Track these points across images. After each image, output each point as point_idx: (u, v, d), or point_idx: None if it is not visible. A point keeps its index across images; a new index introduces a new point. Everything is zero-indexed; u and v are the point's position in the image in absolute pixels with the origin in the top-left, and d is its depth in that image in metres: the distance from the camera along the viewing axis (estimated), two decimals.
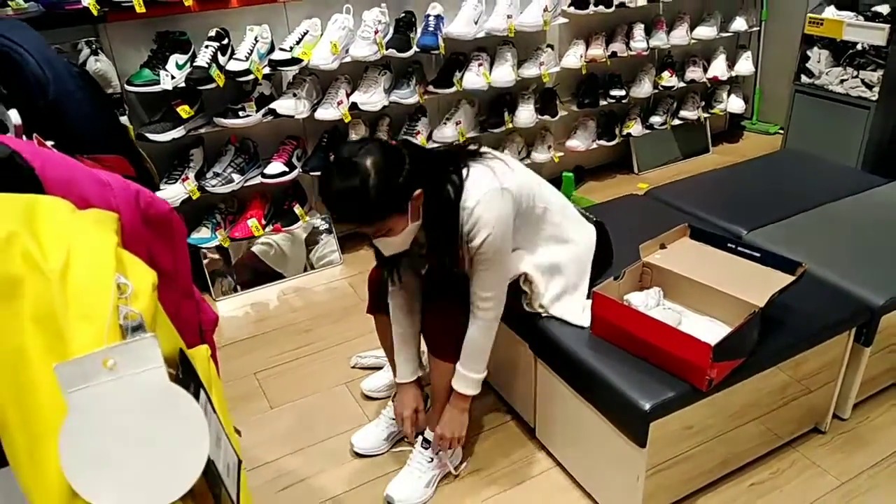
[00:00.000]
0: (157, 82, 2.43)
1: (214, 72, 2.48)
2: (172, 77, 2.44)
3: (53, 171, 0.85)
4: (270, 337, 2.58)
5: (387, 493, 1.84)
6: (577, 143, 3.56)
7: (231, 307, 2.78)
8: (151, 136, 2.48)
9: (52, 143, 1.00)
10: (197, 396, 0.61)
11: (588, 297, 1.85)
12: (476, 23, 2.96)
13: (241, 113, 2.61)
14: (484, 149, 1.73)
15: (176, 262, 0.90)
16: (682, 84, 3.80)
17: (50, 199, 0.70)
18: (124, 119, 2.41)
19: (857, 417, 2.07)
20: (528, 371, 1.94)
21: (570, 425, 1.84)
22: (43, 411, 0.56)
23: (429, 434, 1.88)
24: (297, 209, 2.89)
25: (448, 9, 2.95)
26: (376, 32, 2.73)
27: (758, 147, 4.03)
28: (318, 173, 2.83)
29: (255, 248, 2.87)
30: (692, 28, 3.72)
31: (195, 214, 2.75)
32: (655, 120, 3.80)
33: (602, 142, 3.65)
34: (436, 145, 3.07)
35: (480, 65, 3.04)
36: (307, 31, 2.66)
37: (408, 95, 2.91)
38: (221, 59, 2.53)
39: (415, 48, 2.85)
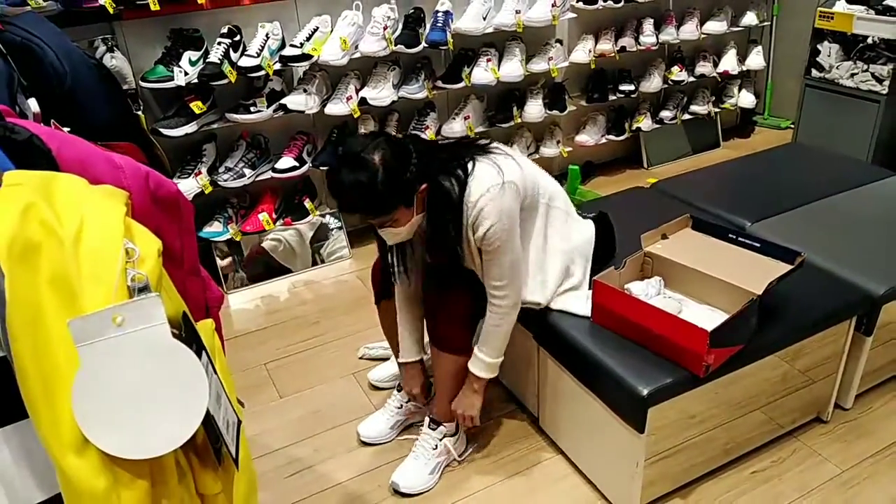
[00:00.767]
0: (171, 78, 2.49)
1: (226, 68, 2.53)
2: (186, 73, 2.50)
3: (69, 153, 0.90)
4: (280, 329, 2.63)
5: (392, 479, 1.88)
6: (587, 137, 3.58)
7: (242, 300, 2.84)
8: (165, 132, 2.54)
9: (68, 129, 1.05)
10: (199, 356, 0.66)
11: (590, 288, 1.88)
12: (484, 18, 3.00)
13: (252, 108, 2.66)
14: (493, 144, 1.77)
15: (183, 241, 0.95)
16: (692, 79, 3.82)
17: (66, 175, 0.74)
18: (139, 114, 2.47)
19: (859, 407, 2.08)
20: (531, 361, 1.98)
21: (573, 413, 1.87)
22: (58, 364, 0.60)
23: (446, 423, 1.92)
24: (308, 203, 2.94)
25: (457, 5, 2.99)
26: (385, 28, 2.78)
27: (769, 142, 4.03)
28: (327, 168, 2.88)
29: (264, 244, 2.92)
30: (702, 23, 3.73)
31: (207, 209, 2.81)
32: (665, 115, 3.81)
33: (611, 137, 3.67)
34: (445, 140, 3.11)
35: (489, 60, 3.07)
36: (317, 28, 2.71)
37: (416, 91, 2.96)
38: (233, 56, 2.59)
39: (423, 44, 2.89)
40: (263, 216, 2.83)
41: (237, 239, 2.81)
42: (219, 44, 2.57)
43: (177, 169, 2.69)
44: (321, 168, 2.89)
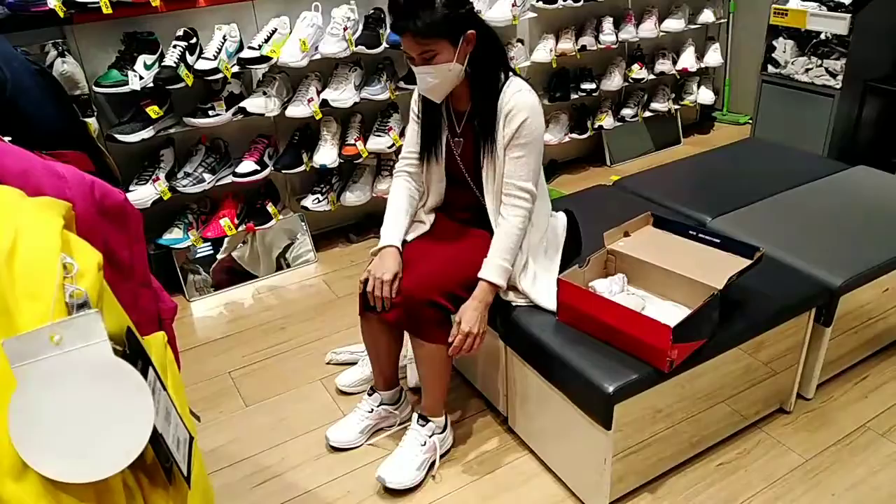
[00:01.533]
0: (126, 83, 2.43)
1: (183, 71, 2.48)
2: (141, 77, 2.45)
3: (8, 163, 0.87)
4: (245, 336, 2.59)
5: (379, 474, 1.86)
6: (550, 136, 3.60)
7: (205, 307, 2.79)
8: (121, 137, 2.48)
9: (9, 138, 1.01)
10: (144, 373, 0.63)
11: None
12: None
13: (210, 112, 2.61)
14: None
15: (132, 251, 0.92)
16: (651, 76, 3.86)
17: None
18: (92, 120, 2.41)
19: (820, 397, 2.12)
20: (498, 360, 1.97)
21: (540, 412, 1.87)
22: None
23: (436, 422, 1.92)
24: (270, 207, 2.90)
25: None
26: (345, 29, 2.75)
27: (728, 137, 4.08)
28: (293, 170, 2.85)
29: (234, 252, 2.87)
30: (661, 21, 3.78)
31: (167, 215, 2.76)
32: (627, 112, 3.84)
33: (574, 135, 3.69)
34: None
35: None
36: (276, 29, 2.67)
37: (379, 92, 2.93)
38: (190, 59, 2.54)
39: (385, 44, 2.87)
40: (225, 222, 2.78)
41: (198, 245, 2.75)
42: (174, 47, 2.52)
43: (134, 175, 2.63)
44: (284, 172, 2.85)
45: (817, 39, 3.43)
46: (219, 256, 2.86)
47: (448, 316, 1.81)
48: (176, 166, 2.72)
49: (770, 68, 3.58)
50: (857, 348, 2.17)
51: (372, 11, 2.90)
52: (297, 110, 2.76)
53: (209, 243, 2.81)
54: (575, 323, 1.76)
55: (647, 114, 3.94)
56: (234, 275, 2.90)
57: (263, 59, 2.61)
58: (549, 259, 1.91)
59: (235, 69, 2.62)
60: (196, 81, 2.54)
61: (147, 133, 2.54)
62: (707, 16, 3.92)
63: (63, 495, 0.59)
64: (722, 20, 4.08)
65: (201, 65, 2.53)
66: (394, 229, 1.90)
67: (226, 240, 2.85)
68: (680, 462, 1.88)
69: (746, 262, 1.75)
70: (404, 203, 1.95)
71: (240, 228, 2.84)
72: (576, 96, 3.60)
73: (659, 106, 3.94)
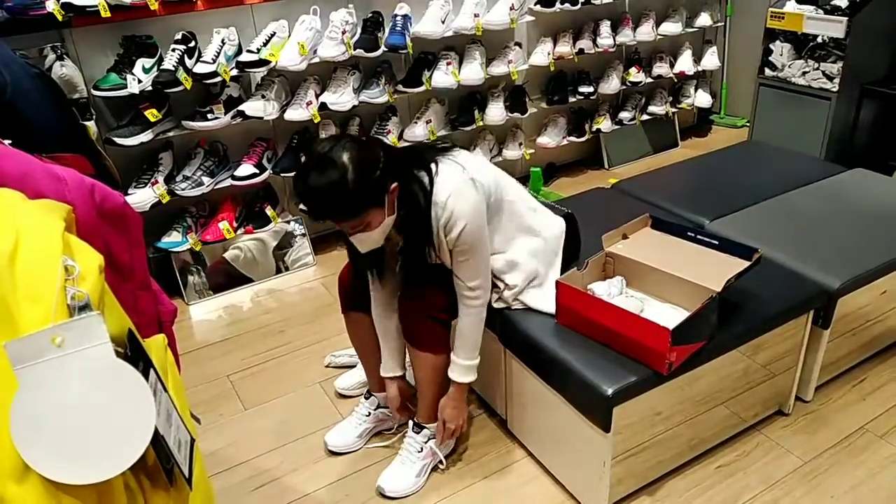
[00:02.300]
0: (124, 86, 2.43)
1: (181, 75, 2.48)
2: (139, 81, 2.45)
3: (8, 166, 0.87)
4: (244, 339, 2.59)
5: (378, 483, 1.86)
6: (548, 139, 3.60)
7: (204, 311, 2.79)
8: (119, 141, 2.48)
9: (9, 141, 1.01)
10: (146, 375, 0.63)
11: None
12: (443, 22, 2.99)
13: (209, 115, 2.62)
14: (457, 148, 1.75)
15: (132, 254, 0.92)
16: (649, 80, 3.87)
17: (0, 190, 0.71)
18: (91, 123, 2.41)
19: (819, 399, 2.12)
20: (497, 362, 1.97)
21: (540, 414, 1.87)
22: None
23: (431, 426, 1.91)
24: (269, 211, 2.90)
25: (415, 8, 2.98)
26: (344, 33, 2.76)
27: (726, 140, 4.10)
28: (292, 174, 2.84)
29: (226, 254, 2.88)
30: (658, 24, 3.79)
31: (166, 218, 2.76)
32: (624, 116, 3.85)
33: (572, 138, 3.70)
34: (407, 144, 3.10)
35: (449, 63, 3.07)
36: (274, 33, 2.67)
37: (377, 95, 2.94)
38: (188, 62, 2.54)
39: (383, 48, 2.88)
40: (224, 225, 2.78)
41: (197, 249, 2.75)
42: (173, 50, 2.52)
43: (133, 178, 2.63)
44: (283, 175, 2.85)
45: (814, 43, 3.45)
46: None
47: (445, 326, 1.82)
48: (175, 169, 2.73)
49: (767, 71, 3.60)
50: (855, 350, 2.18)
51: (370, 15, 2.91)
52: (296, 113, 2.77)
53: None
54: (574, 325, 1.76)
55: (645, 117, 3.95)
56: (232, 278, 2.90)
57: (262, 62, 2.62)
58: (547, 270, 1.90)
59: (234, 72, 2.62)
60: (195, 85, 2.54)
61: (146, 136, 2.54)
62: (704, 19, 3.94)
63: (65, 497, 0.59)
64: (719, 23, 4.09)
65: (200, 68, 2.53)
66: (389, 356, 1.93)
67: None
68: (679, 464, 1.88)
69: (745, 265, 1.75)
70: (386, 323, 1.89)
71: (238, 231, 2.84)
72: (573, 99, 3.61)
73: (656, 109, 3.95)
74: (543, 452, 1.93)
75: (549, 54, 3.41)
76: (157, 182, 2.60)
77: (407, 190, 1.60)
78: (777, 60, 3.55)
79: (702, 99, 4.14)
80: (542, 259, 1.88)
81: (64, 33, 2.45)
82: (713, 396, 1.83)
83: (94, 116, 2.47)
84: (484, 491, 1.87)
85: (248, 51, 2.64)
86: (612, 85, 3.71)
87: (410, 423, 1.93)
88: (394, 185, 1.56)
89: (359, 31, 2.87)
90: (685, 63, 3.95)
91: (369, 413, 2.03)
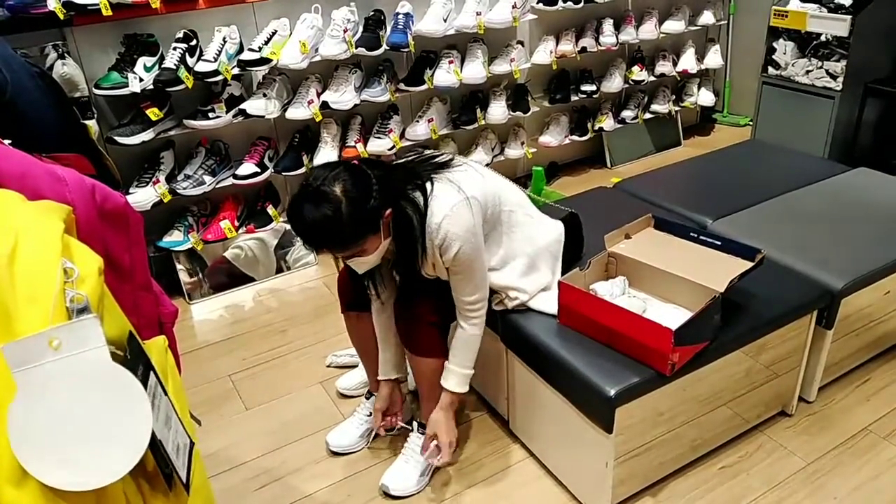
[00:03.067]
0: (126, 85, 2.42)
1: (183, 73, 2.48)
2: (140, 79, 2.44)
3: (7, 166, 0.86)
4: (245, 339, 2.59)
5: (382, 482, 1.86)
6: (550, 138, 3.59)
7: (206, 310, 2.78)
8: (121, 140, 2.47)
9: (9, 141, 1.00)
10: (146, 378, 0.63)
11: None
12: (445, 20, 2.98)
13: (210, 114, 2.61)
14: (456, 160, 1.74)
15: (133, 255, 0.91)
16: (652, 78, 3.86)
17: None
18: (92, 122, 2.41)
19: (822, 400, 2.11)
20: (499, 363, 1.97)
21: (541, 415, 1.86)
22: None
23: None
24: (271, 210, 2.90)
25: (417, 7, 2.97)
26: (345, 31, 2.75)
27: (729, 139, 4.08)
28: (294, 173, 2.84)
29: (226, 253, 2.87)
30: (661, 22, 3.77)
31: (167, 217, 2.75)
32: (627, 114, 3.84)
33: (575, 137, 3.69)
34: (409, 143, 3.09)
35: (451, 62, 3.06)
36: (276, 31, 2.67)
37: (379, 94, 2.93)
38: (190, 61, 2.53)
39: (385, 46, 2.87)
40: (225, 224, 2.78)
41: (198, 248, 2.75)
42: (174, 49, 2.51)
43: (134, 177, 2.62)
44: (284, 174, 2.85)
45: (818, 41, 3.44)
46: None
47: (442, 330, 1.81)
48: (176, 168, 2.72)
49: (770, 70, 3.58)
50: (859, 351, 2.17)
51: (372, 13, 2.90)
52: (297, 112, 2.76)
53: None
54: (576, 326, 1.75)
55: (648, 115, 3.94)
56: (233, 277, 2.90)
57: (263, 60, 2.61)
58: (549, 275, 1.90)
59: (235, 71, 2.62)
60: (196, 83, 2.53)
61: (147, 135, 2.53)
62: (707, 17, 3.92)
63: (63, 502, 0.59)
64: (722, 22, 4.08)
65: (201, 67, 2.53)
66: (384, 361, 1.92)
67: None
68: (681, 465, 1.87)
69: (748, 265, 1.74)
70: (385, 330, 1.89)
71: (240, 230, 2.84)
72: (576, 98, 3.60)
73: (659, 108, 3.93)
74: (545, 453, 1.92)
75: (551, 53, 3.39)
76: (158, 181, 2.60)
77: (401, 213, 1.60)
78: (780, 59, 3.53)
79: (705, 97, 4.13)
80: (545, 266, 1.88)
81: (65, 32, 2.45)
82: (716, 397, 1.82)
83: (95, 115, 2.46)
84: (486, 491, 1.87)
85: (250, 49, 2.63)
86: (614, 83, 3.70)
87: (415, 423, 1.92)
88: (388, 211, 1.56)
89: (360, 29, 2.86)
90: (688, 61, 3.94)
91: (370, 413, 2.03)
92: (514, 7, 3.09)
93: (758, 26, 3.78)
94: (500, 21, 3.07)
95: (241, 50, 2.67)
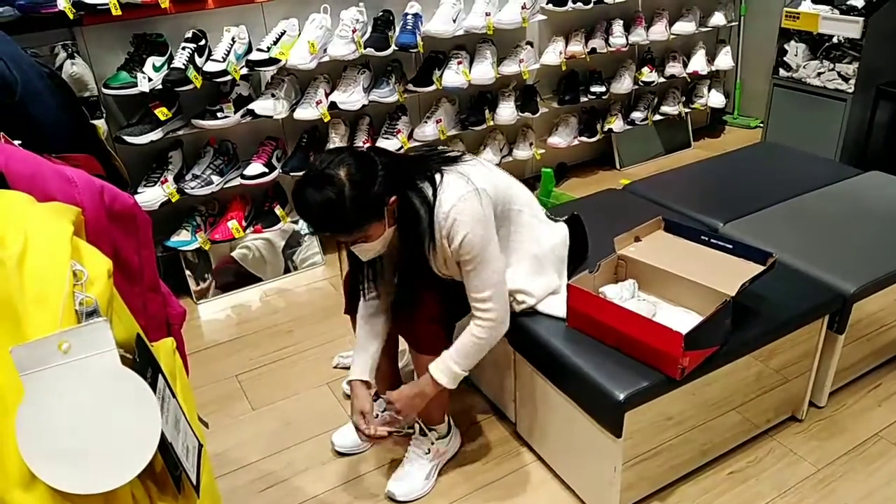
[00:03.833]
0: (135, 84, 2.43)
1: (192, 73, 2.48)
2: (149, 79, 2.44)
3: (17, 167, 0.86)
4: (252, 339, 2.58)
5: (388, 489, 1.85)
6: (559, 139, 3.58)
7: (213, 310, 2.78)
8: (129, 139, 2.48)
9: (19, 141, 1.00)
10: (154, 381, 0.62)
11: None
12: (454, 21, 2.98)
13: (219, 114, 2.61)
14: (466, 156, 1.73)
15: (141, 255, 0.91)
16: (662, 79, 3.84)
17: (9, 192, 0.70)
18: (101, 122, 2.41)
19: (833, 405, 2.09)
20: (507, 365, 1.96)
21: (549, 418, 1.85)
22: (1, 394, 0.56)
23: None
24: (278, 210, 2.90)
25: (426, 7, 2.96)
26: (354, 31, 2.74)
27: (739, 141, 4.07)
28: (301, 173, 2.83)
29: (234, 253, 2.87)
30: (671, 23, 3.75)
31: (175, 217, 2.75)
32: (636, 116, 3.83)
33: (584, 138, 3.68)
34: (417, 144, 3.09)
35: (460, 63, 3.05)
36: (284, 31, 2.66)
37: (387, 94, 2.93)
38: (198, 61, 2.54)
39: (393, 47, 2.87)
40: (233, 224, 2.78)
41: (206, 248, 2.75)
42: (183, 49, 2.52)
43: (142, 177, 2.62)
44: (292, 174, 2.84)
45: (829, 43, 3.41)
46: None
47: (446, 328, 1.80)
48: (184, 168, 2.72)
49: (781, 72, 3.56)
50: (870, 356, 2.15)
51: (381, 14, 2.89)
52: (306, 112, 2.76)
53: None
54: (585, 329, 1.74)
55: (658, 117, 3.92)
56: (240, 277, 2.90)
57: (272, 60, 2.61)
58: (557, 277, 1.89)
59: (244, 71, 2.62)
60: (205, 83, 2.54)
61: (155, 135, 2.53)
62: (718, 18, 3.90)
63: None
64: (733, 23, 4.06)
65: (210, 67, 2.53)
66: (362, 360, 1.82)
67: None
68: (690, 470, 1.86)
69: (759, 269, 1.72)
70: (369, 329, 1.83)
71: (248, 230, 2.84)
72: (585, 99, 3.59)
73: (669, 109, 3.91)
74: (553, 457, 1.91)
75: (560, 53, 3.38)
76: (166, 181, 2.60)
77: (407, 202, 1.58)
78: (792, 61, 3.51)
79: (715, 99, 4.11)
80: (551, 269, 1.87)
81: (75, 31, 2.45)
82: (726, 401, 1.81)
83: (104, 115, 2.47)
84: (493, 495, 1.86)
85: (259, 49, 2.63)
86: (624, 85, 3.68)
87: (416, 426, 1.91)
88: (393, 198, 1.55)
89: (369, 29, 2.86)
90: (698, 63, 3.92)
91: (377, 415, 2.02)
92: (523, 8, 3.08)
93: (769, 28, 3.75)
94: (509, 22, 3.06)
95: (249, 50, 2.67)
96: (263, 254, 2.93)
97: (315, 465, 1.98)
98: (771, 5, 3.86)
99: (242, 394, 2.29)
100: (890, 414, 2.05)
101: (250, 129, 2.85)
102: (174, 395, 0.69)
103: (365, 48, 2.78)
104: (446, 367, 1.69)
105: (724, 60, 4.05)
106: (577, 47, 3.42)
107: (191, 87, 2.50)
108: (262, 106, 2.67)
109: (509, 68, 3.20)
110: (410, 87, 3.02)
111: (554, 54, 3.37)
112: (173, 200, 2.61)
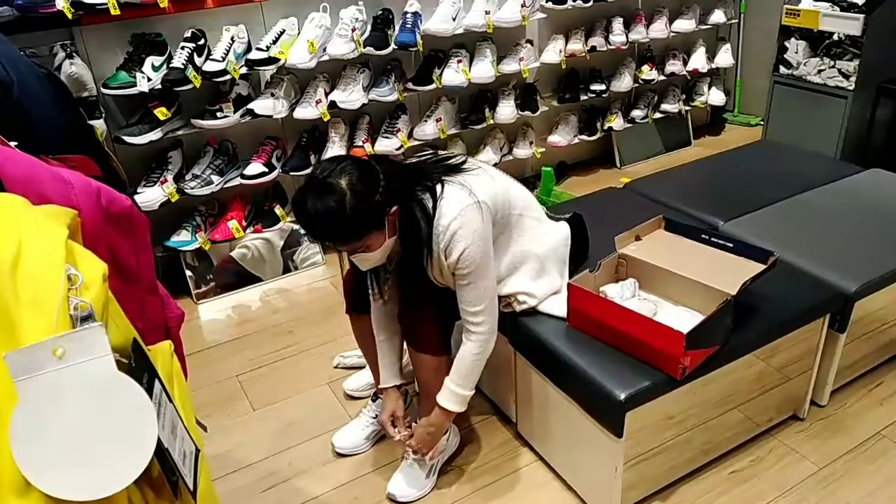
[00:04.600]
0: (134, 84, 2.42)
1: (191, 73, 2.47)
2: (149, 79, 2.44)
3: (13, 169, 0.85)
4: (252, 339, 2.58)
5: (389, 491, 1.85)
6: (559, 138, 3.57)
7: (213, 310, 2.78)
8: (129, 139, 2.47)
9: (15, 143, 1.00)
10: (150, 386, 0.62)
11: None
12: (454, 19, 2.97)
13: (218, 114, 2.61)
14: (463, 161, 1.72)
15: (139, 258, 0.90)
16: (662, 77, 3.83)
17: (4, 195, 0.70)
18: (100, 122, 2.40)
19: (834, 404, 2.09)
20: (507, 365, 1.95)
21: (550, 418, 1.85)
22: None
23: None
24: (278, 210, 2.89)
25: (425, 5, 2.96)
26: (354, 30, 2.74)
27: (739, 139, 4.05)
28: (301, 173, 2.83)
29: (233, 252, 2.87)
30: (671, 21, 3.75)
31: (175, 217, 2.75)
32: (637, 114, 3.82)
33: (584, 137, 3.67)
34: (417, 143, 3.08)
35: (460, 61, 3.04)
36: (284, 30, 2.66)
37: (387, 93, 2.92)
38: (198, 60, 2.53)
39: (393, 45, 2.86)
40: (233, 224, 2.77)
41: (206, 248, 2.74)
42: (182, 48, 2.51)
43: (142, 177, 2.62)
44: (292, 174, 2.84)
45: (830, 40, 3.40)
46: None
47: (445, 327, 1.80)
48: (184, 168, 2.72)
49: (782, 69, 3.55)
50: (872, 354, 2.14)
51: (380, 12, 2.88)
52: (305, 112, 2.75)
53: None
54: (585, 328, 1.74)
55: (658, 115, 3.91)
56: (240, 277, 2.89)
57: (271, 60, 2.60)
58: (558, 278, 1.88)
59: (243, 70, 2.61)
60: (204, 83, 2.53)
61: (155, 135, 2.53)
62: (718, 16, 3.89)
63: None
64: (733, 20, 4.05)
65: (209, 66, 2.52)
66: (385, 367, 1.87)
67: None
68: (692, 470, 1.86)
69: (760, 267, 1.72)
70: (385, 334, 1.86)
71: (248, 230, 2.83)
72: (585, 97, 3.58)
73: (669, 107, 3.91)
74: (554, 457, 1.91)
75: (560, 52, 3.38)
76: (166, 181, 2.59)
77: (408, 213, 1.58)
78: (792, 58, 3.50)
79: (715, 97, 4.10)
80: (554, 270, 1.86)
81: (74, 31, 2.45)
82: (727, 401, 1.80)
83: (103, 115, 2.46)
84: (494, 495, 1.86)
85: (258, 48, 2.62)
86: (624, 83, 3.67)
87: (414, 425, 1.91)
88: (393, 208, 1.55)
89: (369, 28, 2.85)
90: (698, 60, 3.91)
91: (376, 415, 2.02)
92: (523, 6, 3.07)
93: (769, 25, 3.74)
94: (509, 20, 3.05)
95: (249, 49, 2.66)
96: (262, 253, 2.92)
97: (316, 466, 1.98)
98: (771, 2, 3.85)
99: (243, 394, 2.29)
100: (891, 412, 2.05)
101: (250, 129, 2.84)
102: (171, 400, 0.68)
103: (364, 47, 2.77)
104: (452, 394, 1.72)
105: (725, 58, 4.04)
106: (576, 45, 3.41)
107: (190, 86, 2.49)
108: (261, 105, 2.67)
109: (509, 67, 3.19)
110: (410, 85, 3.01)
111: (554, 52, 3.37)
112: (173, 200, 2.61)
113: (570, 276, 1.86)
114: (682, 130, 4.14)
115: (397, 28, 2.90)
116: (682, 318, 1.70)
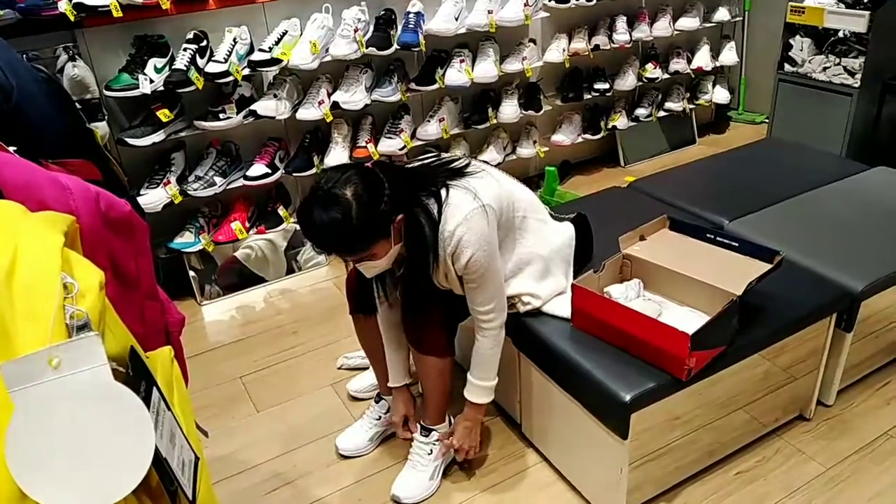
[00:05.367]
0: (136, 86, 2.42)
1: (193, 74, 2.47)
2: (151, 81, 2.44)
3: (11, 175, 0.85)
4: (256, 340, 2.58)
5: (393, 492, 1.84)
6: (563, 137, 3.56)
7: (216, 311, 2.78)
8: (131, 141, 2.47)
9: (14, 148, 0.99)
10: (148, 395, 0.61)
11: None
12: (457, 19, 2.96)
13: (221, 115, 2.60)
14: (468, 164, 1.72)
15: (138, 263, 0.90)
16: (666, 76, 3.81)
17: (0, 202, 0.69)
18: (103, 124, 2.40)
19: (841, 404, 2.07)
20: (511, 366, 1.94)
21: (554, 419, 1.84)
22: None
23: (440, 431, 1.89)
24: (281, 211, 2.89)
25: (428, 5, 2.95)
26: (356, 31, 2.73)
27: (744, 137, 4.03)
28: (305, 173, 2.83)
29: (237, 253, 2.86)
30: (675, 19, 3.73)
31: (178, 219, 2.75)
32: (641, 112, 3.80)
33: (587, 135, 3.65)
34: (420, 143, 3.07)
35: (462, 61, 3.03)
36: (286, 32, 2.65)
37: (390, 93, 2.91)
38: (200, 62, 2.53)
39: (395, 46, 2.85)
40: (236, 225, 2.77)
41: (209, 249, 2.74)
42: (185, 50, 2.51)
43: (145, 179, 2.62)
44: (295, 175, 2.83)
45: (835, 37, 3.38)
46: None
47: (449, 329, 1.79)
48: (187, 170, 2.72)
49: (787, 67, 3.53)
50: (879, 354, 2.13)
51: (382, 12, 2.88)
52: (308, 113, 2.75)
53: None
54: (590, 329, 1.73)
55: (662, 113, 3.89)
56: (244, 278, 2.89)
57: (274, 61, 2.60)
58: (563, 279, 1.88)
59: (246, 72, 2.61)
60: (206, 84, 2.53)
61: (158, 137, 2.53)
62: (722, 14, 3.87)
63: None
64: (737, 18, 4.03)
65: (212, 68, 2.52)
66: (393, 367, 1.92)
67: None
68: (697, 471, 1.84)
69: (766, 267, 1.71)
70: (392, 334, 1.88)
71: (251, 232, 2.83)
72: (589, 96, 3.57)
73: (673, 105, 3.89)
74: (559, 458, 1.90)
75: (563, 51, 3.36)
76: (169, 182, 2.59)
77: (413, 219, 1.57)
78: (797, 55, 3.48)
79: (720, 95, 4.08)
80: (558, 271, 1.85)
81: (76, 33, 2.44)
82: (733, 401, 1.79)
83: (105, 117, 2.46)
84: (498, 496, 1.85)
85: (260, 50, 2.62)
86: (628, 81, 3.66)
87: (418, 426, 1.90)
88: (399, 216, 1.54)
89: (371, 28, 2.84)
90: (703, 58, 3.89)
91: (380, 417, 2.01)
92: (526, 5, 3.06)
93: (774, 22, 3.72)
94: (511, 19, 3.04)
95: (251, 50, 2.66)
96: (266, 254, 2.92)
97: (320, 468, 1.98)
98: (775, 0, 3.83)
99: (247, 396, 2.28)
100: None
101: (253, 130, 2.84)
102: (169, 408, 0.68)
103: (367, 47, 2.76)
104: (477, 388, 1.78)
105: (729, 56, 4.02)
106: (580, 44, 3.39)
107: (192, 88, 2.49)
108: (264, 106, 2.66)
109: (512, 66, 3.18)
110: (413, 86, 3.00)
111: (557, 51, 3.35)
112: (176, 202, 2.60)
113: (575, 277, 1.85)
114: (686, 129, 4.12)
115: (400, 28, 2.89)
116: (688, 319, 1.70)
